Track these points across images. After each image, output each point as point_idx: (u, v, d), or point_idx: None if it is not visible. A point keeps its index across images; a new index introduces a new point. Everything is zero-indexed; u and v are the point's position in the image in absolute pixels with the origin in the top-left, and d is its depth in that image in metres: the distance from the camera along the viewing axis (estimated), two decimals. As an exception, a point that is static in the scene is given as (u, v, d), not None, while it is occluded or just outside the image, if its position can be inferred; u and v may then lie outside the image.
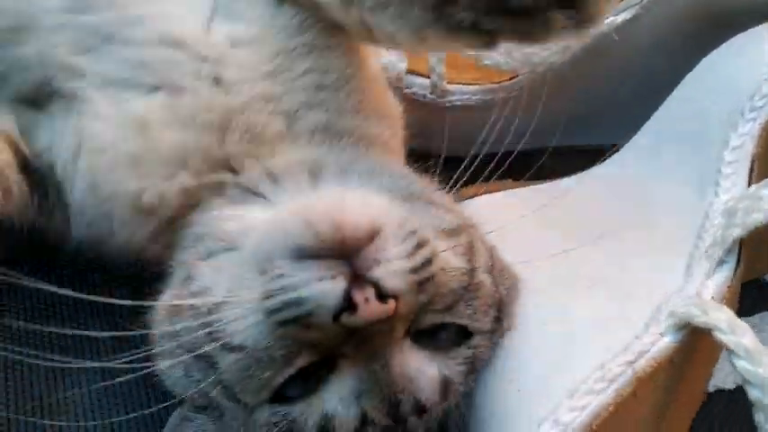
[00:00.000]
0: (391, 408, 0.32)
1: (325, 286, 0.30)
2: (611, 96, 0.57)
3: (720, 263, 0.36)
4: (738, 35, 0.46)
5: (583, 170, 0.50)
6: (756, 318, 0.46)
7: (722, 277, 0.36)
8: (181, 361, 0.33)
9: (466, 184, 0.43)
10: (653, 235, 0.40)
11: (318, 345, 0.32)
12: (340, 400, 0.32)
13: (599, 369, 0.30)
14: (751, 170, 0.41)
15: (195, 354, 0.32)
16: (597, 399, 0.30)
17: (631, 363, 0.31)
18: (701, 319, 0.32)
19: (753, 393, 0.30)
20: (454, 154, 0.54)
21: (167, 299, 0.36)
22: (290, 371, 0.32)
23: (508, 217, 0.43)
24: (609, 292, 0.36)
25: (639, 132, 0.48)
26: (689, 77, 0.47)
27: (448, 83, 0.56)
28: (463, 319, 0.34)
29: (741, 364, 0.30)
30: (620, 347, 0.31)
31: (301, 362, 0.32)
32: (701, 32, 0.52)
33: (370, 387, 0.32)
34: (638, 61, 0.55)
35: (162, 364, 0.35)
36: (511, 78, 0.56)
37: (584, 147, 0.58)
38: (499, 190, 0.48)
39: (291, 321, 0.31)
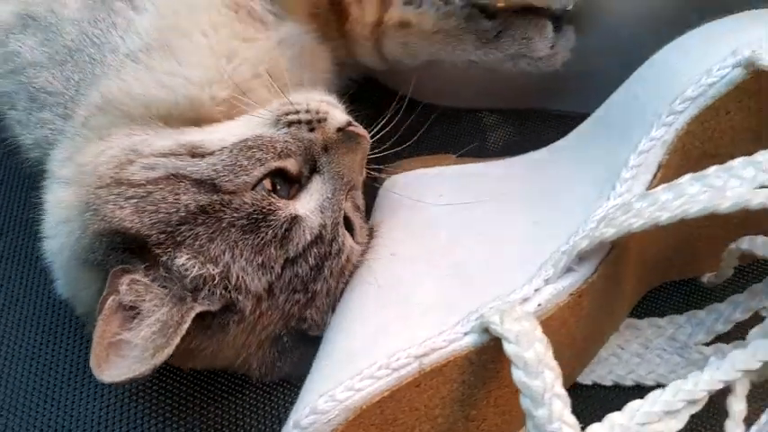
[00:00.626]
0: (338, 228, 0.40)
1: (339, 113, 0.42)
2: (598, 67, 0.55)
3: (567, 270, 0.37)
4: (694, 30, 0.44)
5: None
6: (684, 317, 0.45)
7: (563, 285, 0.37)
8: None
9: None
10: (536, 232, 0.41)
11: (306, 153, 0.40)
12: (308, 207, 0.39)
13: (389, 357, 0.34)
14: (654, 177, 0.40)
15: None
16: (375, 384, 0.33)
17: (419, 356, 0.34)
18: (495, 327, 0.33)
19: (524, 402, 0.32)
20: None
21: None
22: (281, 164, 0.39)
23: (425, 194, 0.46)
24: (455, 280, 0.38)
25: (588, 118, 0.47)
26: (641, 68, 0.45)
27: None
28: None
29: (518, 374, 0.33)
30: (420, 339, 0.34)
31: (291, 163, 0.39)
32: (687, 9, 0.49)
33: (330, 204, 0.40)
34: (626, 33, 0.52)
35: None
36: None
37: (569, 113, 0.57)
38: (436, 165, 0.49)
39: (303, 122, 0.41)
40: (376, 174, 0.46)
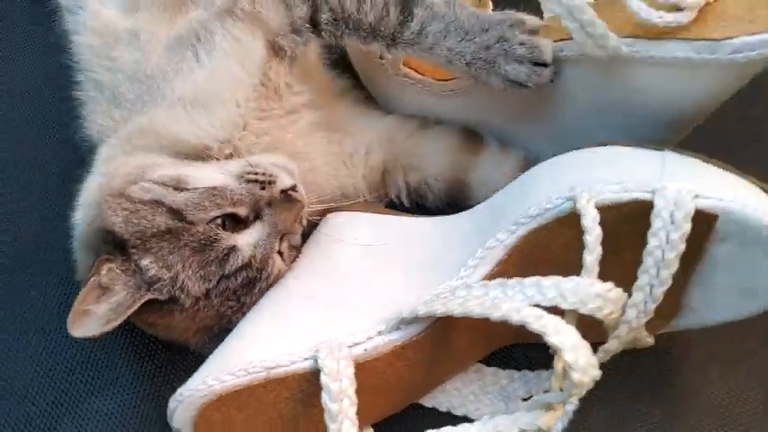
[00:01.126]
0: (267, 260, 0.54)
1: (286, 177, 0.54)
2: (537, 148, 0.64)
3: (397, 328, 0.50)
4: (557, 156, 0.53)
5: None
6: (518, 374, 0.56)
7: (389, 339, 0.50)
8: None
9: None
10: (395, 291, 0.53)
11: (254, 204, 0.53)
12: (246, 242, 0.52)
13: (248, 363, 0.49)
14: (491, 271, 0.51)
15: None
16: (234, 380, 0.48)
17: (268, 368, 0.48)
18: (320, 360, 0.48)
19: (326, 418, 0.47)
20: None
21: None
22: (233, 210, 0.52)
23: (345, 233, 0.59)
24: (324, 312, 0.51)
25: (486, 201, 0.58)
26: (523, 174, 0.56)
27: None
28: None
29: (324, 397, 0.47)
30: (274, 355, 0.49)
31: (241, 210, 0.53)
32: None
33: (264, 243, 0.53)
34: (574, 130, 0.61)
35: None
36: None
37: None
38: (368, 211, 0.61)
39: (258, 182, 0.53)
40: (317, 220, 0.59)
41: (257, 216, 0.54)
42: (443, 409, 0.56)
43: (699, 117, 0.56)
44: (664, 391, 0.58)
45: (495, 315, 0.45)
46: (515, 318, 0.45)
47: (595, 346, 0.48)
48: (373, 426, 0.54)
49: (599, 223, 0.47)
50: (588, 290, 0.46)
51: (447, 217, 0.58)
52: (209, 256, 0.52)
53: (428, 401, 0.56)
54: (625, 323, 0.48)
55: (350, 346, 0.49)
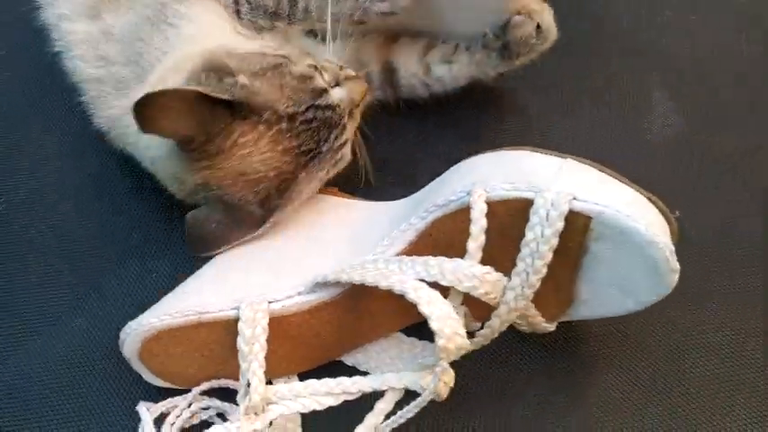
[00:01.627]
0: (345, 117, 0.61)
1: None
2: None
3: (313, 290, 0.58)
4: (474, 157, 0.60)
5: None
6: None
7: (306, 299, 0.58)
8: None
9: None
10: (326, 259, 0.61)
11: (335, 74, 0.61)
12: (333, 92, 0.60)
13: (185, 309, 0.58)
14: (402, 250, 0.59)
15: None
16: (172, 320, 0.57)
17: (200, 313, 0.57)
18: (240, 311, 0.57)
19: (239, 358, 0.56)
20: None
21: None
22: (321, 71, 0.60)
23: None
24: (264, 267, 0.60)
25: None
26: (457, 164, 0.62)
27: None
28: None
29: (238, 340, 0.56)
30: (206, 303, 0.58)
31: (326, 75, 0.60)
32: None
33: (343, 102, 0.60)
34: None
35: None
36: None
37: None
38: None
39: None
40: None
41: (337, 84, 0.61)
42: (362, 368, 0.64)
43: None
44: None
45: (383, 284, 0.53)
46: (397, 287, 0.52)
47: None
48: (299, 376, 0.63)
49: (490, 216, 0.54)
50: (466, 271, 0.53)
51: (384, 203, 0.66)
52: (305, 86, 0.58)
53: (348, 360, 0.64)
54: (504, 304, 0.54)
55: (270, 302, 0.58)
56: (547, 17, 0.68)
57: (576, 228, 0.53)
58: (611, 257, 0.54)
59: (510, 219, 0.54)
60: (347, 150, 0.62)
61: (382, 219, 0.63)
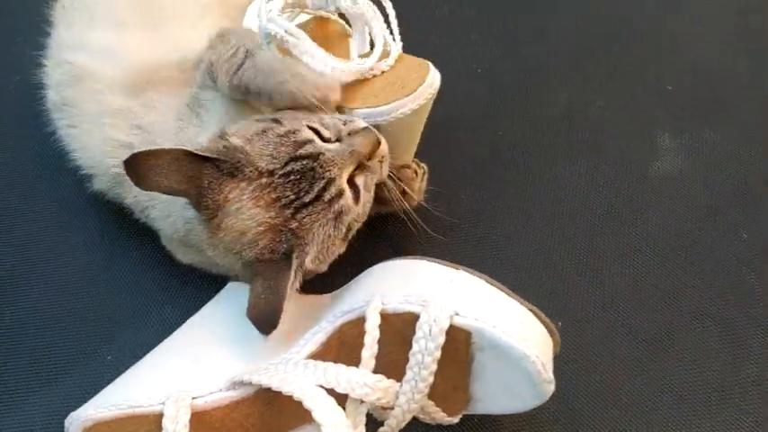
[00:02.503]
0: (340, 176, 0.62)
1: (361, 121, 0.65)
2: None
3: (231, 388, 0.65)
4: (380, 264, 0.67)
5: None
6: None
7: (225, 396, 0.65)
8: None
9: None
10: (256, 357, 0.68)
11: (338, 131, 0.64)
12: (322, 144, 0.62)
13: (116, 403, 0.65)
14: (314, 351, 0.64)
15: None
16: (106, 413, 0.65)
17: (132, 407, 0.64)
18: (166, 408, 0.63)
19: None
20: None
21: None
22: (321, 127, 0.63)
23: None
24: (190, 362, 0.66)
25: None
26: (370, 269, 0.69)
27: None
28: None
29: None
30: (136, 397, 0.65)
31: (326, 132, 0.63)
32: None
33: (337, 151, 0.62)
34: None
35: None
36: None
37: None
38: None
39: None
40: None
41: (338, 140, 0.63)
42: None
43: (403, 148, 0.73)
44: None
45: (285, 389, 0.59)
46: (296, 394, 0.58)
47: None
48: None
49: (386, 326, 0.60)
50: (359, 379, 0.59)
51: (307, 298, 0.72)
52: (287, 140, 0.61)
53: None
54: (398, 407, 0.60)
55: (194, 397, 0.64)
56: (415, 185, 0.75)
57: (460, 340, 0.59)
58: (494, 366, 0.60)
59: (403, 329, 0.60)
60: (348, 203, 0.62)
61: (307, 313, 0.69)
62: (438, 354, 0.58)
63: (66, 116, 0.78)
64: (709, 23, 1.01)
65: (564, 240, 0.81)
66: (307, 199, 0.60)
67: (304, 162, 0.60)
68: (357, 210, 0.63)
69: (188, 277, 0.79)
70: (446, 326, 0.58)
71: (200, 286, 0.77)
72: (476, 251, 0.79)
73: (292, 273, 0.60)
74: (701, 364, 0.72)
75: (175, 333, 0.71)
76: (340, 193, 0.62)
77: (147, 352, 0.71)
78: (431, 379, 0.59)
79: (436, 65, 0.70)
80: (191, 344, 0.70)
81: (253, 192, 0.60)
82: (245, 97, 0.68)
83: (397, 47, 0.72)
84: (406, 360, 0.60)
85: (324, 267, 0.65)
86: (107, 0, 0.81)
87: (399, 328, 0.60)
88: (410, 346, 0.59)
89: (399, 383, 0.60)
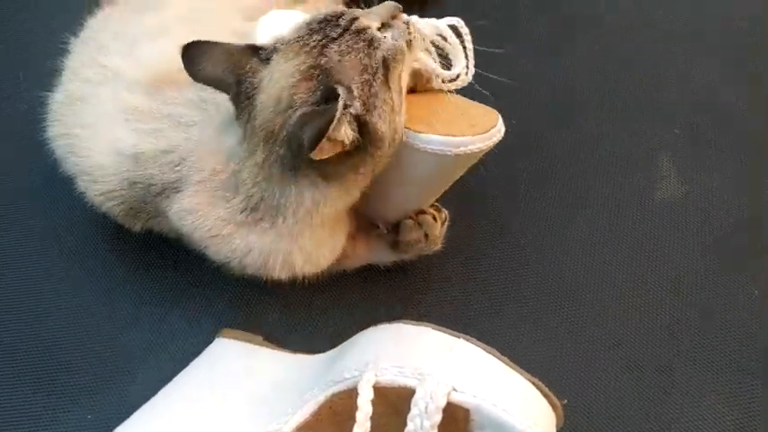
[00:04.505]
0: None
1: None
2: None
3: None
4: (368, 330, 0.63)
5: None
6: None
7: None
8: None
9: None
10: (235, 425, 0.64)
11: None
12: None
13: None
14: (303, 421, 0.61)
15: None
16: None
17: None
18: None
19: None
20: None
21: None
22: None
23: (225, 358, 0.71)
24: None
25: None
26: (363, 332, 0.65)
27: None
28: None
29: None
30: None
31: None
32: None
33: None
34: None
35: None
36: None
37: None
38: (247, 340, 0.71)
39: None
40: None
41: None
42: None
43: (436, 188, 0.71)
44: None
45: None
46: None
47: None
48: None
49: (380, 398, 0.57)
50: (351, 457, 0.55)
51: (301, 358, 0.69)
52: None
53: None
54: (394, 483, 0.57)
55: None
56: (435, 231, 0.72)
57: (458, 418, 0.55)
58: (495, 441, 0.56)
59: (397, 403, 0.57)
60: (377, 34, 0.61)
61: (295, 377, 0.66)
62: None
63: (78, 113, 0.73)
64: (711, 58, 1.00)
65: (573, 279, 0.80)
66: (334, 34, 0.59)
67: (330, 17, 0.60)
68: (388, 43, 0.61)
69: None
70: (443, 403, 0.54)
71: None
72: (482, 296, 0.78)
73: (340, 104, 0.56)
74: (701, 400, 0.71)
75: (154, 399, 0.67)
76: (366, 27, 0.60)
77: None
78: (427, 457, 0.55)
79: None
80: (168, 413, 0.66)
81: (283, 54, 0.59)
82: None
83: (470, 75, 0.71)
84: (403, 432, 0.56)
85: (378, 122, 0.60)
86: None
87: (393, 401, 0.57)
88: (405, 422, 0.56)
89: (396, 457, 0.56)
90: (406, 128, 0.64)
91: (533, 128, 0.92)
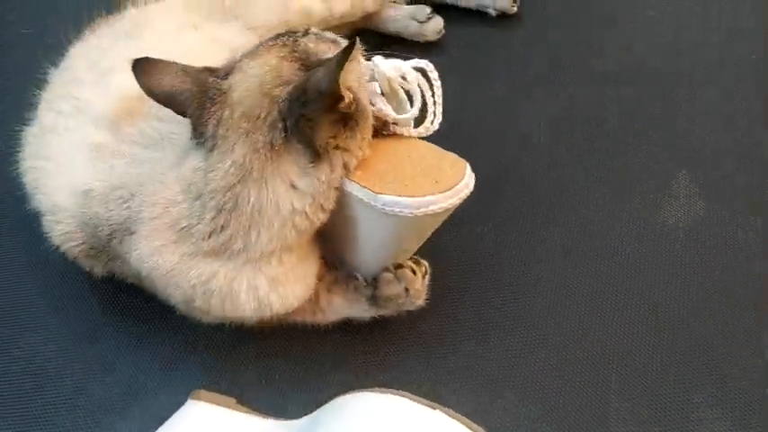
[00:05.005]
0: None
1: None
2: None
3: None
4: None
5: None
6: None
7: None
8: None
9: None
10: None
11: None
12: None
13: None
14: None
15: None
16: None
17: None
18: None
19: None
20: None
21: None
22: None
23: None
24: None
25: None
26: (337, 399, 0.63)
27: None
28: None
29: None
30: None
31: None
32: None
33: None
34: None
35: None
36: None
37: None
38: (219, 403, 0.68)
39: None
40: None
41: None
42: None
43: (407, 245, 0.66)
44: None
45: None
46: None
47: None
48: None
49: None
50: None
51: (270, 427, 0.66)
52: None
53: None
54: None
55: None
56: (416, 285, 0.67)
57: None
58: None
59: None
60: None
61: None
62: None
63: (47, 147, 0.71)
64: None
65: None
66: (299, 34, 0.61)
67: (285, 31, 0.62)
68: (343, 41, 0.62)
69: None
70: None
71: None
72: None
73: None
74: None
75: None
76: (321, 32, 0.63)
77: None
78: None
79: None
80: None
81: (250, 58, 0.60)
82: None
83: (436, 122, 0.66)
84: None
85: (362, 95, 0.61)
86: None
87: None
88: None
89: None
90: (364, 187, 0.60)
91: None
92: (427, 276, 0.69)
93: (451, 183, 0.60)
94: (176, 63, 0.60)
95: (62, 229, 0.69)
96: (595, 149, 0.87)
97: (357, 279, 0.70)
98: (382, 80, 0.63)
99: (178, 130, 0.63)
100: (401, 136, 0.65)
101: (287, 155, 0.58)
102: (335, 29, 0.76)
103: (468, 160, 0.62)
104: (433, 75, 0.65)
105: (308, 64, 0.58)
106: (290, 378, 0.73)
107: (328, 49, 0.60)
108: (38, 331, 0.77)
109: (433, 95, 0.65)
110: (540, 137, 0.89)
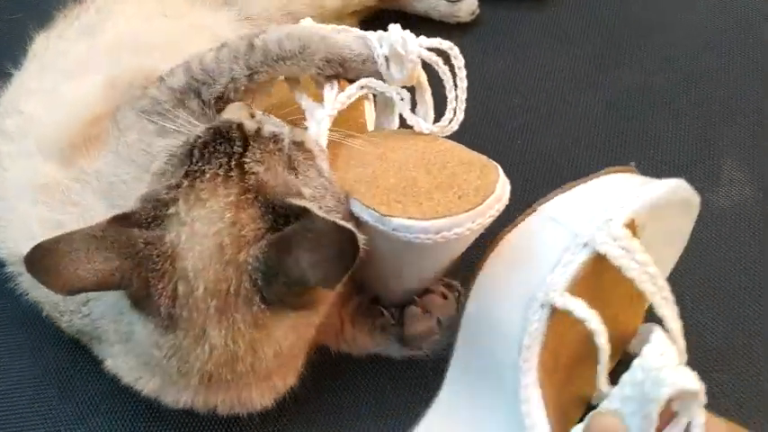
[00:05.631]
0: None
1: None
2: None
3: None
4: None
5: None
6: None
7: None
8: None
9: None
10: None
11: None
12: None
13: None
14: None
15: None
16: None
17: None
18: None
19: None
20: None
21: None
22: None
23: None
24: None
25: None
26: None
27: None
28: None
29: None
30: None
31: None
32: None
33: None
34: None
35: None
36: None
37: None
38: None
39: None
40: None
41: None
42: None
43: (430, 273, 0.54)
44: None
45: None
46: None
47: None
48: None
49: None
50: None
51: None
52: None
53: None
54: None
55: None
56: (449, 311, 0.55)
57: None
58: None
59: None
60: (269, 128, 0.49)
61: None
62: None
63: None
64: None
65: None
66: (238, 148, 0.46)
67: (214, 135, 0.47)
68: (282, 130, 0.49)
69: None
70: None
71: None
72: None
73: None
74: None
75: None
76: (258, 127, 0.48)
77: None
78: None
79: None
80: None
81: (190, 201, 0.45)
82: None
83: (455, 122, 0.55)
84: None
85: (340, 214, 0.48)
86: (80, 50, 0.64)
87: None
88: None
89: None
90: (369, 207, 0.48)
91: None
92: (460, 298, 0.55)
93: (479, 198, 0.48)
94: (80, 235, 0.43)
95: (26, 278, 0.57)
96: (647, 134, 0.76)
97: (383, 315, 0.57)
98: (409, 71, 0.52)
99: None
100: (415, 133, 0.54)
101: (276, 322, 0.46)
102: (355, 14, 0.67)
103: (498, 162, 0.51)
104: (458, 61, 0.53)
105: (271, 205, 0.45)
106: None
107: (285, 174, 0.47)
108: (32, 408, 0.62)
109: (455, 87, 0.53)
110: (596, 123, 0.77)
